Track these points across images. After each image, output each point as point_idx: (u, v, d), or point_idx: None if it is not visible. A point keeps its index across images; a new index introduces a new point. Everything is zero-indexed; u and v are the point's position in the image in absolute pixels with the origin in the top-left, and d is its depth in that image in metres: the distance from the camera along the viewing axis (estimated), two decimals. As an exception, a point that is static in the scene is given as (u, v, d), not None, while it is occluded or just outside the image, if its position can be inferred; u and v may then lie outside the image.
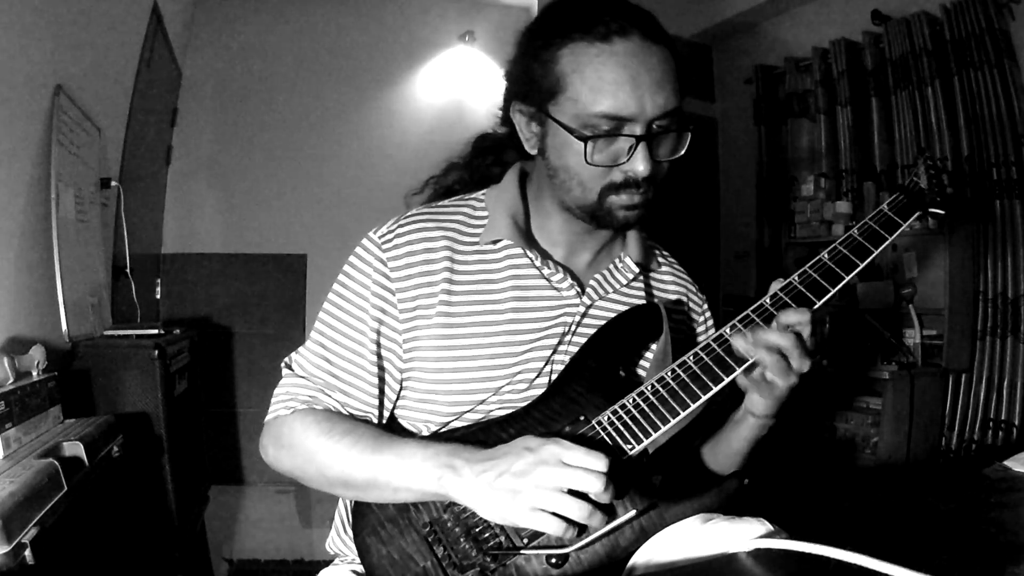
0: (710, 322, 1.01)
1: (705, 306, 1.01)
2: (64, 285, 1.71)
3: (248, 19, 3.11)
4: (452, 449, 0.73)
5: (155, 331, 1.88)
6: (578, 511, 0.66)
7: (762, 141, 3.29)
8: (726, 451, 0.91)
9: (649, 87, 0.74)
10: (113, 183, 2.15)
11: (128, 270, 2.26)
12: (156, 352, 1.76)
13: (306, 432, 0.79)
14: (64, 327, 1.71)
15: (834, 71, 2.92)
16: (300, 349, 0.86)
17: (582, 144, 0.75)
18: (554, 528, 0.66)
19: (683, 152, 0.80)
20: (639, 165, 0.75)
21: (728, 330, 0.80)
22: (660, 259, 0.99)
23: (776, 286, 0.82)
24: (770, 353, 0.75)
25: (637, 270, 0.89)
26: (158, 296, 2.91)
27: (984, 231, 2.41)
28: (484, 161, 0.97)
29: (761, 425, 0.84)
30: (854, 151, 2.85)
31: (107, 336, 1.86)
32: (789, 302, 0.81)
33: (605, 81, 0.74)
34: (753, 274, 3.37)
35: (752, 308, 0.81)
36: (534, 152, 0.84)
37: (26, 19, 1.50)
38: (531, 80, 0.79)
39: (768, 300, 0.81)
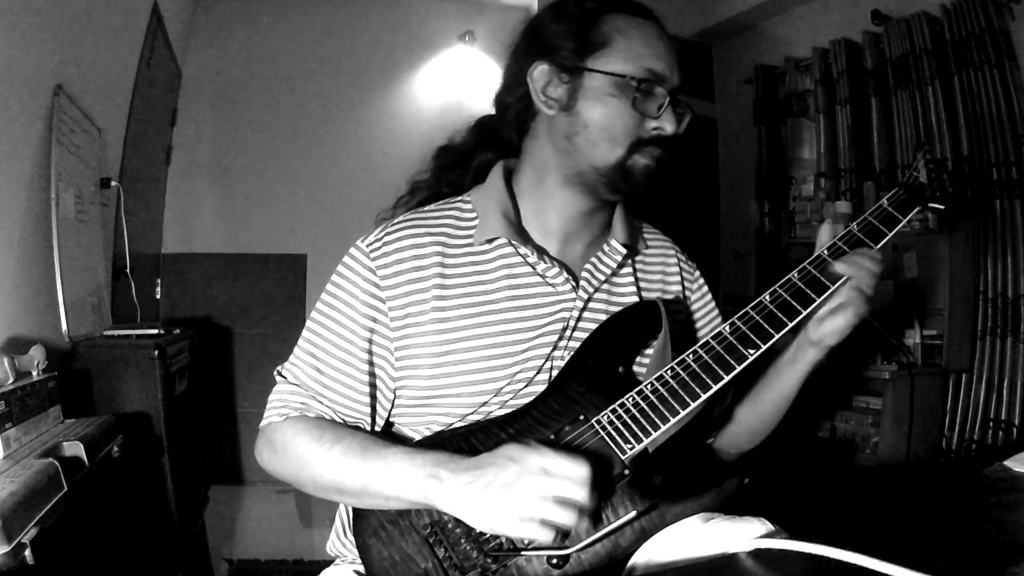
0: (704, 288, 1.02)
1: (697, 273, 1.02)
2: (64, 285, 1.71)
3: (248, 19, 3.11)
4: (437, 459, 0.73)
5: (155, 331, 1.88)
6: (564, 518, 0.67)
7: (762, 141, 3.29)
8: (773, 397, 0.93)
9: (675, 62, 0.83)
10: (113, 183, 2.15)
11: (128, 270, 2.26)
12: (156, 352, 1.76)
13: (297, 439, 0.80)
14: (64, 327, 1.71)
15: (834, 71, 2.92)
16: (291, 358, 0.87)
17: (623, 93, 0.80)
18: (542, 535, 0.67)
19: (683, 130, 0.85)
20: (669, 121, 0.82)
21: (727, 327, 0.81)
22: (646, 235, 1.00)
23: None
24: (861, 270, 0.82)
25: (624, 251, 0.89)
26: (158, 296, 2.91)
27: (984, 231, 2.41)
28: (450, 176, 0.97)
29: (817, 360, 0.88)
30: (854, 151, 2.85)
31: (107, 336, 1.86)
32: (789, 299, 0.81)
33: (648, 45, 0.82)
34: (753, 274, 3.37)
35: (751, 306, 0.82)
36: (552, 112, 0.84)
37: (26, 19, 1.50)
38: (568, 38, 0.83)
39: (768, 297, 0.82)
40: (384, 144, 3.25)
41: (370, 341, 0.83)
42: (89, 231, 1.96)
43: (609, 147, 0.82)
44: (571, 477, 0.67)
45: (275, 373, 0.88)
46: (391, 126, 3.28)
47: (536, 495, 0.67)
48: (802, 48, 3.09)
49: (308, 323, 0.86)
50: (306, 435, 0.80)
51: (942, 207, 0.89)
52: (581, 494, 0.67)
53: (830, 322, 0.83)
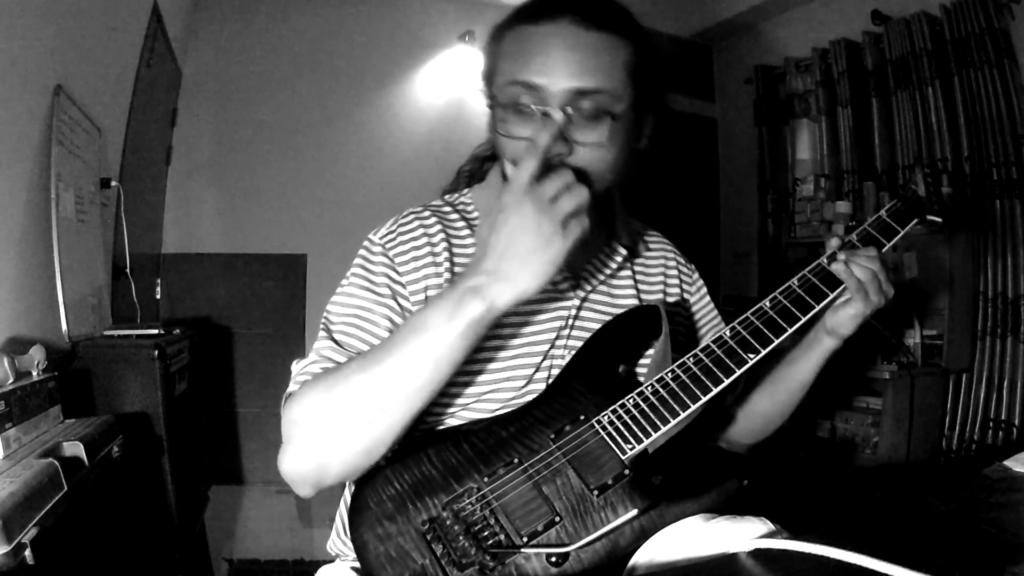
0: (703, 289, 1.02)
1: (696, 275, 1.03)
2: (64, 285, 1.71)
3: (248, 19, 3.11)
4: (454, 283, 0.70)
5: (155, 331, 1.88)
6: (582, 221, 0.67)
7: (763, 141, 3.29)
8: (789, 386, 0.94)
9: (563, 63, 0.74)
10: (113, 183, 2.15)
11: (128, 270, 2.26)
12: (156, 352, 1.76)
13: (314, 386, 0.73)
14: (64, 327, 1.71)
15: (834, 71, 2.92)
16: (307, 359, 0.81)
17: (501, 120, 0.78)
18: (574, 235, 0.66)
19: (611, 139, 0.76)
20: (543, 138, 0.73)
21: (728, 332, 0.81)
22: (646, 238, 1.00)
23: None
24: (864, 271, 0.84)
25: (624, 253, 0.90)
26: (158, 296, 2.91)
27: (984, 231, 2.41)
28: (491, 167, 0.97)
29: (833, 349, 0.91)
30: (855, 151, 2.85)
31: (107, 336, 1.86)
32: (788, 305, 0.82)
33: (521, 53, 0.76)
34: (754, 274, 3.38)
35: (752, 311, 0.82)
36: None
37: (26, 19, 1.50)
38: (484, 69, 0.83)
39: (768, 303, 0.82)
40: (384, 144, 3.25)
41: (393, 323, 0.80)
42: (89, 231, 1.96)
43: (510, 175, 0.80)
44: (566, 187, 0.67)
45: (285, 396, 0.79)
46: (391, 126, 3.29)
47: (557, 219, 0.66)
48: (802, 48, 3.10)
49: (329, 309, 0.83)
50: (319, 378, 0.74)
51: (940, 219, 0.92)
52: (583, 195, 0.67)
53: (842, 312, 0.87)
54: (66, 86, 1.72)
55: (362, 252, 0.85)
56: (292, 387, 0.78)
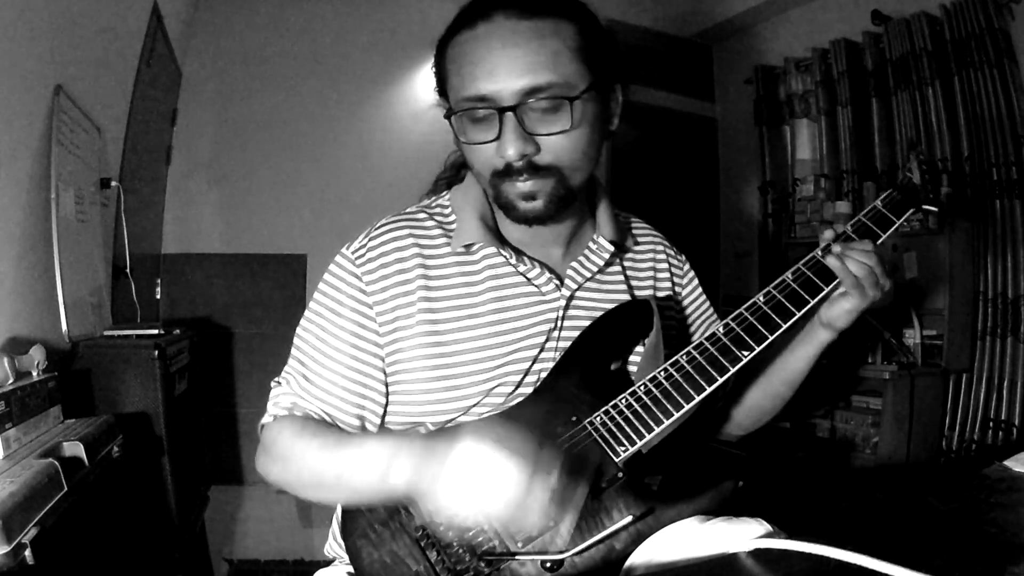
0: (694, 280, 1.02)
1: (687, 266, 1.02)
2: (64, 285, 1.71)
3: (248, 19, 3.11)
4: (411, 443, 0.73)
5: (155, 331, 1.88)
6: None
7: (763, 141, 3.29)
8: (784, 377, 0.94)
9: (507, 63, 0.73)
10: (113, 183, 2.15)
11: (128, 270, 2.26)
12: (156, 352, 1.76)
13: (281, 435, 0.81)
14: (64, 327, 1.71)
15: (834, 71, 2.92)
16: (284, 369, 0.87)
17: (459, 129, 0.79)
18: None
19: (575, 125, 0.74)
20: (504, 142, 0.74)
21: (721, 328, 0.81)
22: (634, 230, 0.98)
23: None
24: (860, 266, 0.82)
25: (612, 248, 0.88)
26: (158, 296, 2.90)
27: (984, 231, 2.41)
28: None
29: (828, 342, 0.90)
30: (855, 151, 2.85)
31: (107, 336, 1.85)
32: (783, 300, 0.82)
33: (464, 64, 0.75)
34: (754, 274, 3.37)
35: (746, 306, 0.82)
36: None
37: (26, 19, 1.50)
38: (435, 80, 0.84)
39: (762, 298, 0.82)
40: (384, 144, 3.24)
41: (358, 348, 0.82)
42: (89, 231, 1.96)
43: (483, 183, 0.82)
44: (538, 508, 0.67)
45: (272, 383, 0.88)
46: (391, 126, 3.28)
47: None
48: (802, 48, 3.09)
49: (297, 332, 0.86)
50: (288, 430, 0.80)
51: (935, 209, 0.90)
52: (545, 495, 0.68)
53: (838, 305, 0.86)
54: (66, 86, 1.72)
55: (333, 268, 0.85)
56: (266, 418, 0.85)
